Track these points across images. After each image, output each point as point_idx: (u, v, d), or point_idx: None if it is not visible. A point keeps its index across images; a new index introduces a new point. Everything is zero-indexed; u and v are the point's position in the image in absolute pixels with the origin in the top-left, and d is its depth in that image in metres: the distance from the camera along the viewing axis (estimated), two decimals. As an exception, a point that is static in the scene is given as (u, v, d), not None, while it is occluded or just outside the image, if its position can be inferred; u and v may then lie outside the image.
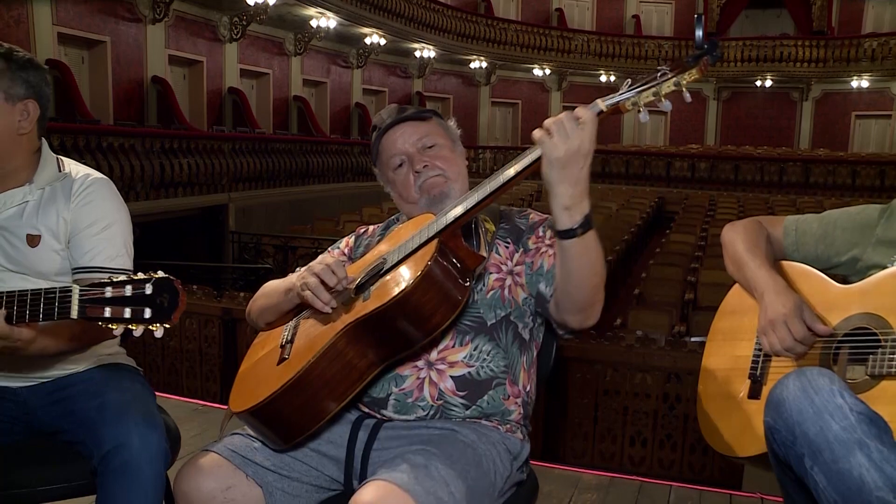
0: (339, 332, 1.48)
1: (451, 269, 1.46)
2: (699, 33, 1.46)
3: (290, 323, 1.71)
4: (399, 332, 1.48)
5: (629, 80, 1.46)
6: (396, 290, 1.43)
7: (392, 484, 1.32)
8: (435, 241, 1.48)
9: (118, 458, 1.60)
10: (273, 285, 1.81)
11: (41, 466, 1.72)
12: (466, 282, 1.48)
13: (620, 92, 1.44)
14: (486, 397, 1.59)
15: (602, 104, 1.43)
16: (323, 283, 1.51)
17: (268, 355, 1.68)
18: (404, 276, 1.46)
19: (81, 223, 1.82)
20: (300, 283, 1.57)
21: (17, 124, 1.81)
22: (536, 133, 1.41)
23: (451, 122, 1.82)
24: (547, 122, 1.41)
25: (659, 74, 1.44)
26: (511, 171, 1.46)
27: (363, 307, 1.48)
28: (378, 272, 1.55)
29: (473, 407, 1.59)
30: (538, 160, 1.42)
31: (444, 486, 1.36)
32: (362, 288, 1.56)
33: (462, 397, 1.58)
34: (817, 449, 1.23)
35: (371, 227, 1.94)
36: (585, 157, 1.39)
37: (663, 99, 1.44)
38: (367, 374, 1.53)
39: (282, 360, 1.60)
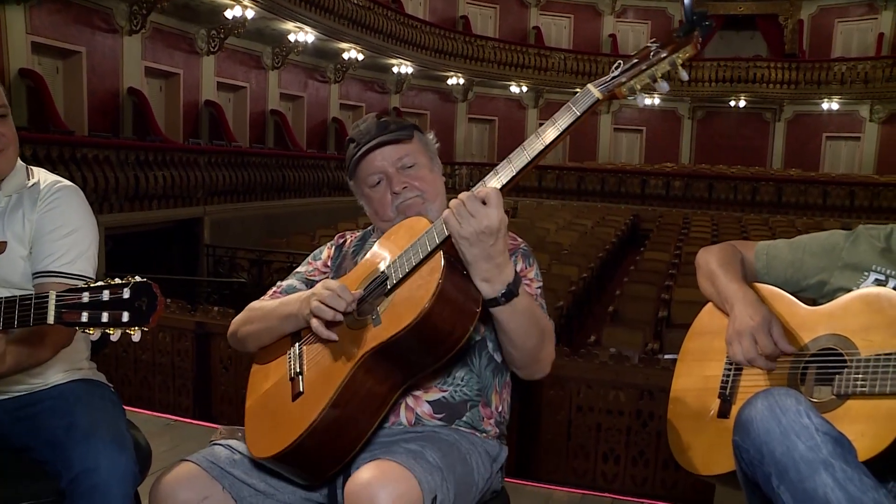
0: (358, 363, 1.44)
1: (461, 280, 1.43)
2: (688, 1, 1.36)
3: (292, 350, 1.64)
4: (420, 353, 1.44)
5: (619, 62, 1.41)
6: (412, 314, 1.38)
7: (391, 462, 1.34)
8: (441, 253, 1.44)
9: (87, 481, 1.58)
10: (266, 308, 1.73)
11: (8, 484, 1.69)
12: (476, 290, 1.44)
13: (612, 75, 1.40)
14: (464, 418, 1.61)
15: (595, 90, 1.40)
16: (331, 309, 1.47)
17: (277, 389, 1.61)
18: (416, 295, 1.41)
19: (45, 228, 1.81)
20: (307, 310, 1.53)
21: (16, 134, 1.86)
22: (445, 212, 1.42)
23: (431, 136, 1.80)
24: (453, 202, 1.42)
25: (652, 55, 1.38)
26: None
27: (378, 334, 1.43)
28: (382, 291, 1.50)
29: (452, 427, 1.60)
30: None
31: (439, 473, 1.38)
32: (364, 308, 1.51)
33: (440, 419, 1.59)
34: (784, 468, 1.25)
35: (349, 238, 1.90)
36: (495, 234, 1.39)
37: (659, 80, 1.39)
38: (390, 398, 1.49)
39: (297, 394, 1.53)
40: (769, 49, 24.68)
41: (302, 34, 16.67)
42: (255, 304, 1.81)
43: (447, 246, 1.45)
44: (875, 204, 17.86)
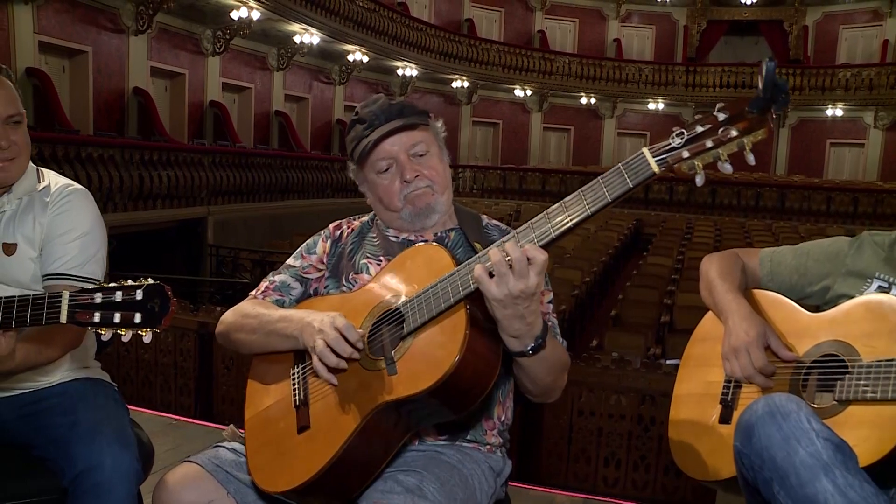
0: (370, 414, 1.41)
1: (485, 338, 1.39)
2: (771, 65, 1.18)
3: (296, 372, 1.59)
4: (437, 408, 1.43)
5: (682, 130, 1.24)
6: (432, 376, 1.34)
7: None
8: (465, 309, 1.38)
9: (90, 479, 1.59)
10: (263, 319, 1.64)
11: (12, 480, 1.70)
12: (498, 340, 1.41)
13: (672, 145, 1.24)
14: (468, 436, 1.60)
15: (653, 162, 1.24)
16: (334, 352, 1.43)
17: (280, 413, 1.57)
18: (437, 354, 1.36)
19: (55, 231, 1.82)
20: (311, 341, 1.48)
21: (28, 135, 1.89)
22: (477, 270, 1.31)
23: (440, 124, 1.74)
24: (494, 257, 1.29)
25: (720, 131, 1.21)
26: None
27: (394, 388, 1.40)
28: (399, 333, 1.45)
29: (455, 445, 1.59)
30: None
31: None
32: (375, 345, 1.47)
33: (444, 439, 1.59)
34: (784, 474, 1.25)
35: (346, 230, 1.81)
36: (529, 298, 1.31)
37: (723, 160, 1.24)
38: (400, 440, 1.49)
39: (302, 427, 1.50)
40: (773, 55, 24.64)
41: (307, 36, 16.68)
42: (247, 306, 1.72)
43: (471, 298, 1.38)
44: (879, 210, 17.83)
